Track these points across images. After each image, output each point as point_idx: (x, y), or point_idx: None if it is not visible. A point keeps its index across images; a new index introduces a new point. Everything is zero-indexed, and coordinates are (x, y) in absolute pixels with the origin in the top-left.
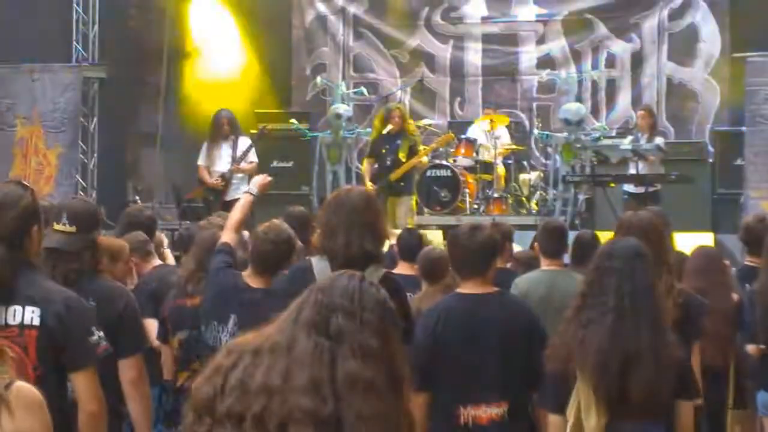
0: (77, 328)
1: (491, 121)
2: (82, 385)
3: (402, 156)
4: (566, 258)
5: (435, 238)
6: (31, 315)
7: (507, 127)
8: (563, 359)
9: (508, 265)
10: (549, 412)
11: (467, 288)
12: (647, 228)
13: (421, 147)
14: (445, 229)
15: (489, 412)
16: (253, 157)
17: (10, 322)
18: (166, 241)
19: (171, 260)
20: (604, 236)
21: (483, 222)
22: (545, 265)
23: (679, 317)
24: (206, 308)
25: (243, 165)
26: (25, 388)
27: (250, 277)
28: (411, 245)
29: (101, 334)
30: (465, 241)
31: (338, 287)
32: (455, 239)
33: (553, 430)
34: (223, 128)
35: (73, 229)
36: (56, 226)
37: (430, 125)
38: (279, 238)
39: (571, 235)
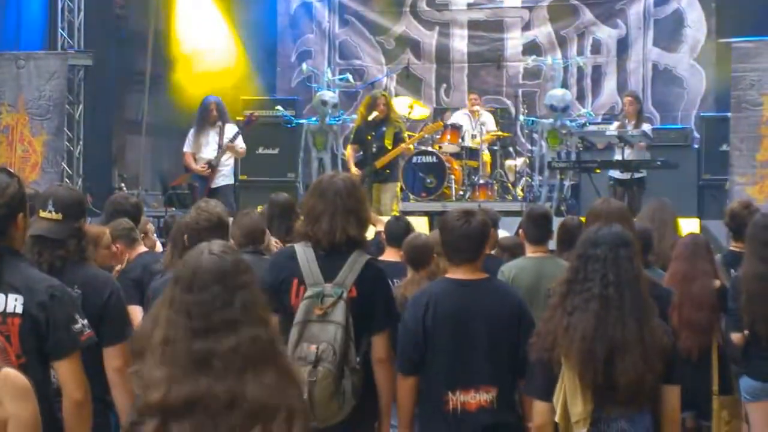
0: (60, 316)
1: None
2: (66, 373)
3: (388, 143)
4: (551, 244)
5: (419, 224)
6: (14, 303)
7: (492, 113)
8: (548, 346)
9: (493, 252)
10: (535, 398)
11: (457, 273)
12: (618, 215)
13: (406, 134)
14: (431, 216)
15: (477, 398)
16: (241, 143)
17: None
18: (152, 228)
19: (159, 247)
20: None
21: (472, 208)
22: (530, 251)
23: None
24: None
25: (237, 145)
26: (12, 374)
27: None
28: (398, 232)
29: (85, 322)
30: (458, 227)
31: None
32: (448, 224)
33: (539, 417)
34: (211, 114)
35: (59, 216)
36: (42, 214)
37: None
38: (211, 217)
39: (557, 222)
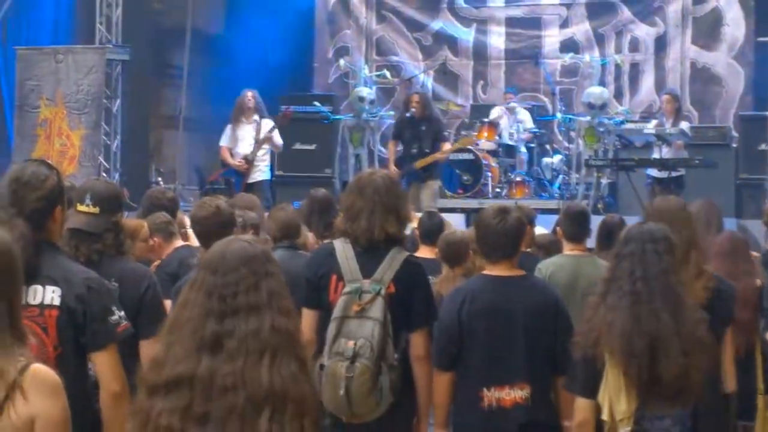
0: (98, 308)
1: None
2: (104, 365)
3: (426, 146)
4: (588, 242)
5: (456, 221)
6: (52, 295)
7: (529, 110)
8: (592, 343)
9: (529, 249)
10: (578, 395)
11: (494, 270)
12: (673, 212)
13: (446, 132)
14: (467, 213)
15: (513, 394)
16: (277, 138)
17: (31, 302)
18: (188, 222)
19: (194, 241)
20: (629, 221)
21: (508, 205)
22: (568, 249)
23: (709, 301)
24: None
25: (274, 137)
26: (41, 370)
27: None
28: (432, 229)
29: (122, 314)
30: (495, 224)
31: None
32: (484, 221)
33: (580, 413)
34: (247, 109)
35: (96, 210)
36: (80, 207)
37: (452, 105)
38: (210, 210)
39: (595, 220)
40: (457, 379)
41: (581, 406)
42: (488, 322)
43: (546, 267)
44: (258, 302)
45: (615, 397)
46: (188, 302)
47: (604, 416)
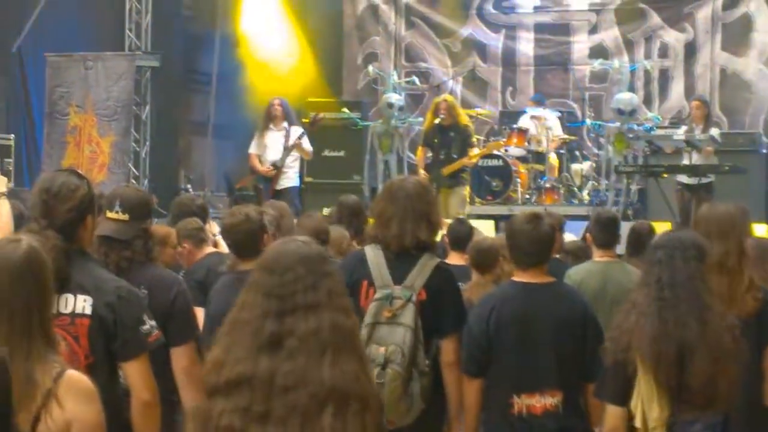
0: (129, 317)
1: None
2: (135, 374)
3: (454, 152)
4: (617, 248)
5: (485, 228)
6: (83, 304)
7: (559, 117)
8: (623, 348)
9: (558, 256)
10: (608, 402)
11: (524, 277)
12: (721, 221)
13: (474, 138)
14: (497, 219)
15: (543, 401)
16: (307, 144)
17: (62, 310)
18: (217, 229)
19: (223, 248)
20: (658, 227)
21: (540, 211)
22: (597, 256)
23: (758, 313)
24: (213, 318)
25: (303, 143)
26: (76, 377)
27: (242, 265)
28: (461, 235)
29: (153, 323)
30: (528, 230)
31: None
32: (516, 227)
33: (611, 420)
34: (276, 116)
35: (125, 217)
36: (109, 214)
37: (481, 113)
38: (241, 219)
39: (624, 226)
40: (487, 386)
41: (612, 413)
42: (518, 328)
43: (576, 273)
44: (317, 301)
45: (648, 403)
46: (246, 303)
47: (637, 423)
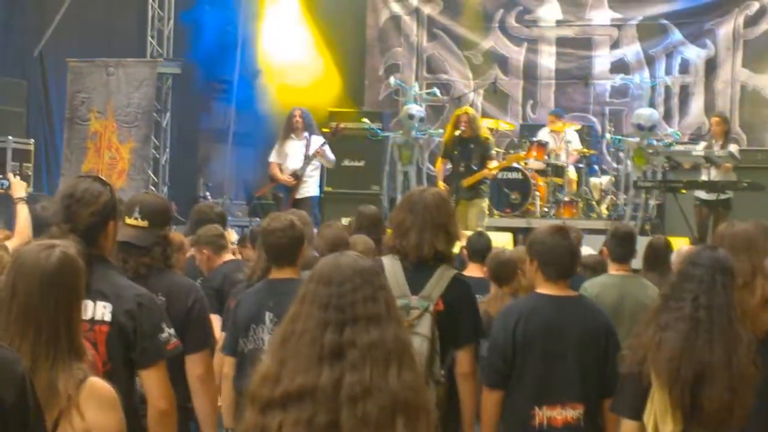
0: (148, 325)
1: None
2: (152, 381)
3: (474, 164)
4: (635, 263)
5: (503, 240)
6: (102, 311)
7: (578, 131)
8: (639, 360)
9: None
10: (624, 417)
11: (550, 289)
12: (739, 237)
13: (494, 150)
14: (515, 232)
15: (564, 414)
16: (329, 153)
17: (82, 317)
18: (235, 237)
19: (238, 257)
20: (676, 242)
21: (564, 224)
22: (614, 270)
23: None
24: (239, 323)
25: (326, 151)
26: (98, 384)
27: (274, 273)
28: (480, 247)
29: (172, 331)
30: (558, 242)
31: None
32: (544, 239)
33: None
34: (297, 125)
35: (145, 223)
36: (128, 220)
37: (501, 127)
38: (284, 224)
39: (642, 241)
40: (508, 397)
41: (627, 428)
42: (543, 341)
43: (592, 287)
44: (378, 312)
45: (661, 418)
46: (300, 315)
47: None
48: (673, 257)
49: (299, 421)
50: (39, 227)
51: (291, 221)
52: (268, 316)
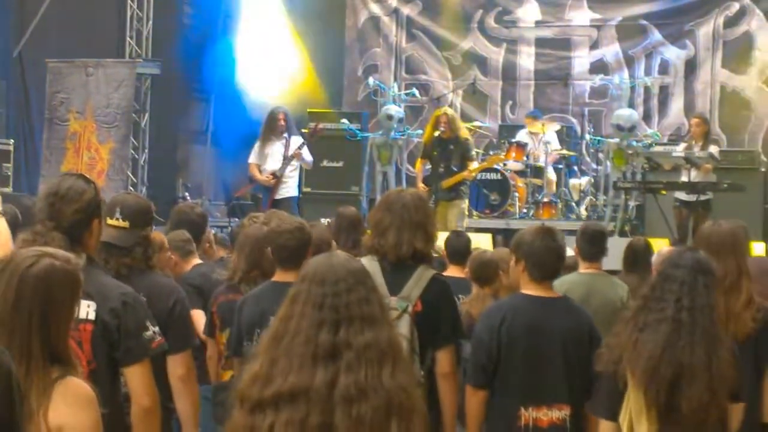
0: (132, 323)
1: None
2: (136, 379)
3: (454, 165)
4: (605, 262)
5: (482, 241)
6: (87, 309)
7: (558, 132)
8: (615, 360)
9: None
10: (601, 417)
11: (534, 290)
12: (724, 238)
13: (473, 151)
14: (494, 233)
15: (550, 415)
16: (307, 154)
17: (68, 326)
18: (212, 238)
19: (217, 256)
20: (655, 243)
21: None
22: (583, 268)
23: (756, 332)
24: (243, 326)
25: (304, 154)
26: (74, 382)
27: (280, 275)
28: (459, 248)
29: (156, 329)
30: (545, 243)
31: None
32: (531, 240)
33: None
34: (278, 125)
35: (126, 224)
36: (110, 221)
37: (479, 127)
38: (293, 226)
39: (621, 242)
40: (494, 397)
41: (604, 428)
42: (528, 340)
43: (561, 284)
44: (372, 314)
45: (636, 418)
46: (292, 315)
47: None
48: (654, 258)
49: (291, 421)
50: (30, 223)
51: (300, 224)
52: (272, 320)
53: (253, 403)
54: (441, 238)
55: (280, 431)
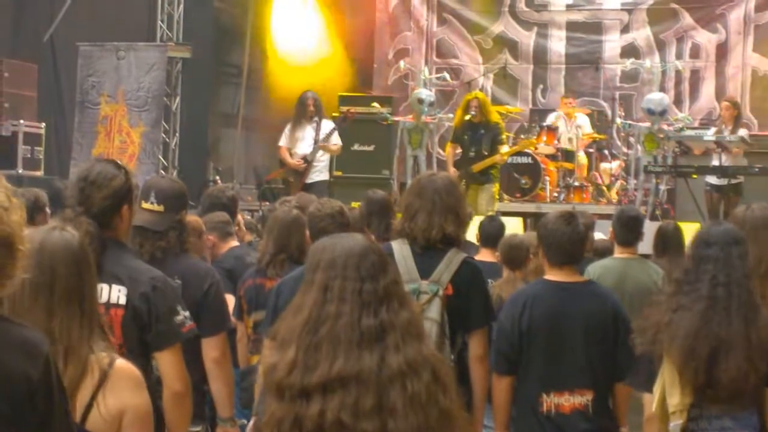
0: (163, 307)
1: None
2: (168, 364)
3: (485, 149)
4: (639, 247)
5: (513, 225)
6: (118, 294)
7: (589, 115)
8: (649, 340)
9: (587, 254)
10: (643, 391)
11: (556, 275)
12: (758, 221)
13: (504, 135)
14: (525, 217)
15: (572, 401)
16: (336, 139)
17: None
18: (242, 221)
19: (248, 239)
20: (686, 227)
21: (574, 210)
22: (618, 253)
23: None
24: (281, 310)
25: (330, 143)
26: (126, 366)
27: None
28: (492, 232)
29: (187, 314)
30: (564, 230)
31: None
32: (552, 226)
33: (648, 408)
34: (308, 109)
35: (160, 208)
36: (144, 205)
37: (511, 111)
38: (334, 210)
39: (652, 226)
40: (517, 384)
41: (647, 401)
42: (549, 327)
43: (594, 269)
44: (403, 293)
45: (669, 390)
46: (327, 301)
47: (654, 408)
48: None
49: (344, 405)
50: (62, 207)
51: (340, 207)
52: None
53: (296, 391)
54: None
55: (332, 416)
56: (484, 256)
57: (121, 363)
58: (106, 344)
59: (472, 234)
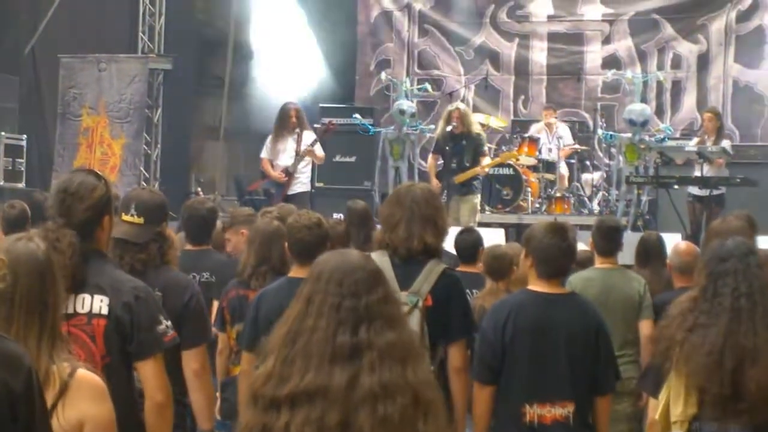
0: (145, 317)
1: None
2: (149, 374)
3: (466, 160)
4: (620, 257)
5: (495, 236)
6: (100, 304)
7: (570, 126)
8: (661, 352)
9: None
10: (650, 395)
11: (542, 287)
12: (735, 233)
13: (486, 146)
14: (507, 228)
15: (554, 412)
16: (319, 149)
17: (79, 310)
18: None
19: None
20: (668, 238)
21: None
22: (599, 263)
23: None
24: (261, 321)
25: (316, 149)
26: (87, 375)
27: (296, 271)
28: (467, 246)
29: (169, 323)
30: (555, 242)
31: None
32: (541, 238)
33: (652, 413)
34: (290, 121)
35: (140, 220)
36: (124, 217)
37: (496, 126)
38: (311, 222)
39: (634, 237)
40: (499, 394)
41: (653, 406)
42: (532, 338)
43: (576, 280)
44: (393, 313)
45: (674, 399)
46: (307, 314)
47: (657, 416)
48: (670, 253)
49: (308, 420)
50: (42, 219)
51: (318, 219)
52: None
53: (267, 401)
54: (452, 234)
55: (296, 430)
56: (463, 267)
57: (83, 373)
58: (68, 355)
59: (450, 245)
